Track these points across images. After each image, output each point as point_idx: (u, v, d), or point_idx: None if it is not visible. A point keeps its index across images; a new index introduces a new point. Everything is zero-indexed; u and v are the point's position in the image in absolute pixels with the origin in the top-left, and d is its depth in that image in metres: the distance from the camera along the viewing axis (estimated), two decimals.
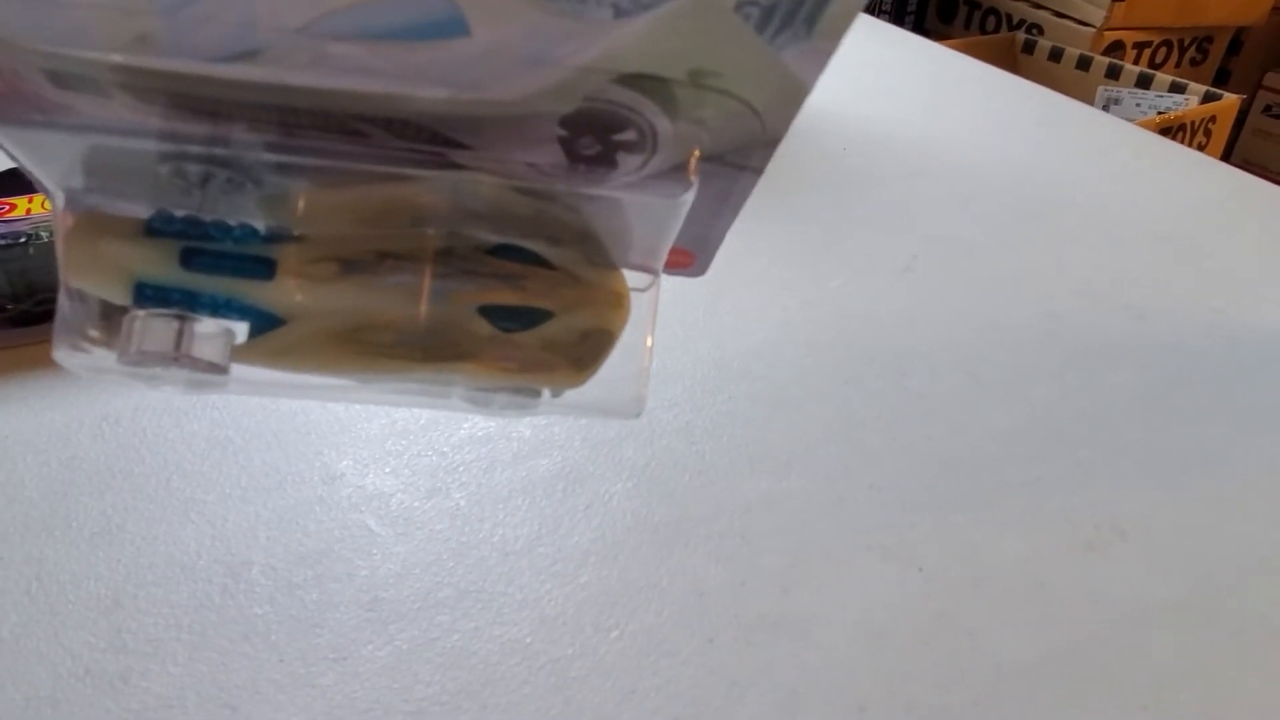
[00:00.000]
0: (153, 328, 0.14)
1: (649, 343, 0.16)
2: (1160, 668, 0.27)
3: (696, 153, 0.14)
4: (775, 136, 0.14)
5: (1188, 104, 1.13)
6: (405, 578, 0.28)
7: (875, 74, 0.76)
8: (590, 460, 0.33)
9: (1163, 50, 1.38)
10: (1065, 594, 0.29)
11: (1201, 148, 1.11)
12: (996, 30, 1.46)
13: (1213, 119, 1.10)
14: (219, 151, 0.14)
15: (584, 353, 0.15)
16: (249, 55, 0.13)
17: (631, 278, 0.17)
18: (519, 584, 0.28)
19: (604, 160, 0.14)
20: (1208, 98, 1.13)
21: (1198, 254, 0.51)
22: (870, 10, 1.58)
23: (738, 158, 0.14)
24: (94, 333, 0.15)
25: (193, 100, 0.13)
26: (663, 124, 0.13)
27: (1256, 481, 0.35)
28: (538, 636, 0.26)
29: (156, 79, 0.13)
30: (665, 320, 0.41)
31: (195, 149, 0.14)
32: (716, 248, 0.16)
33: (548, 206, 0.15)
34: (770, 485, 0.32)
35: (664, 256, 0.16)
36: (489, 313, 0.15)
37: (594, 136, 0.14)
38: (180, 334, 0.14)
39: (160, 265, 0.14)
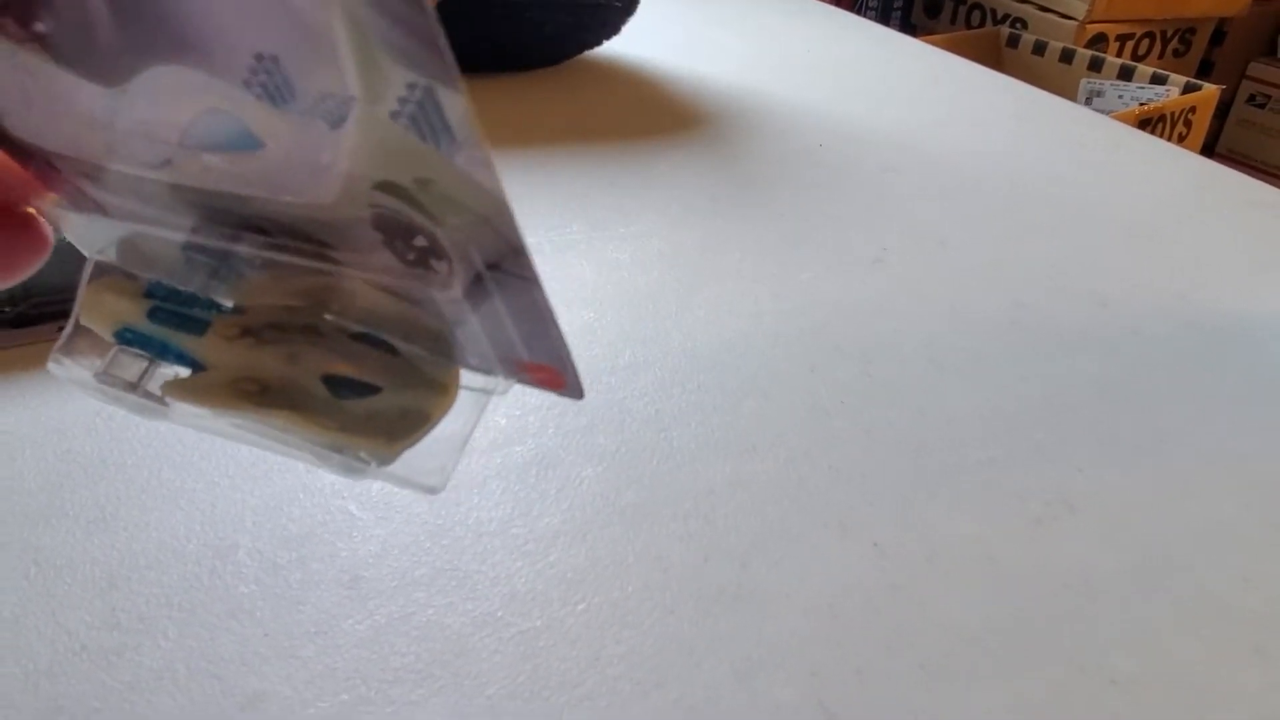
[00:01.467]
0: (123, 360, 0.19)
1: (470, 433, 0.19)
2: (1101, 635, 0.28)
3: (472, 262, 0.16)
4: (516, 244, 0.15)
5: (1169, 95, 1.15)
6: (384, 558, 0.29)
7: (853, 72, 0.77)
8: (563, 447, 0.34)
9: (1145, 42, 1.40)
10: (1013, 567, 0.31)
11: (1182, 138, 1.13)
12: (982, 25, 1.47)
13: (1193, 109, 1.12)
14: (219, 245, 0.17)
15: (399, 428, 0.18)
16: (165, 164, 0.16)
17: (476, 379, 0.18)
18: (491, 562, 0.29)
19: (422, 264, 0.16)
20: (1188, 89, 1.15)
21: (1163, 242, 0.52)
22: (857, 8, 1.59)
23: (513, 267, 0.15)
24: (85, 355, 0.19)
25: (161, 202, 0.17)
26: (434, 229, 0.15)
27: (1207, 460, 0.36)
28: (508, 610, 0.28)
29: (126, 181, 0.17)
30: (638, 312, 0.43)
31: (211, 243, 0.18)
32: (572, 366, 0.18)
33: (410, 309, 0.17)
34: (735, 468, 0.34)
35: (497, 362, 0.18)
36: (329, 380, 0.18)
37: (402, 241, 0.15)
38: (145, 371, 0.19)
39: (138, 318, 0.19)
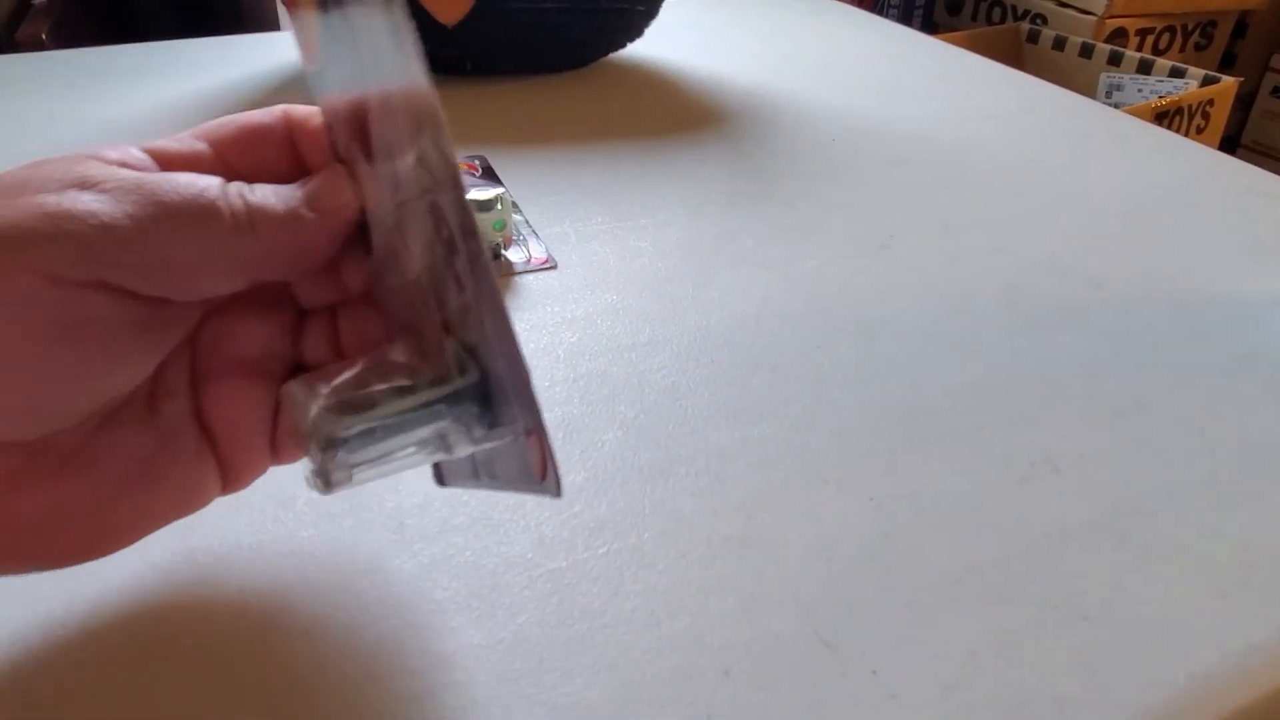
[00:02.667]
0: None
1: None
2: (1074, 577, 0.31)
3: None
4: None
5: (1187, 88, 1.16)
6: (426, 508, 0.33)
7: (868, 70, 0.80)
8: (586, 414, 0.38)
9: (1166, 36, 1.41)
10: (997, 518, 0.34)
11: (1200, 131, 1.14)
12: (1002, 21, 1.48)
13: (1210, 102, 1.13)
14: None
15: None
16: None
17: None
18: (522, 513, 0.33)
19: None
20: (1206, 81, 1.16)
21: (1160, 229, 0.55)
22: (878, 7, 1.61)
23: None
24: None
25: None
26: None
27: (1185, 425, 0.39)
28: (537, 553, 0.31)
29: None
30: (657, 294, 0.46)
31: None
32: (531, 395, 0.21)
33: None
34: (743, 433, 0.37)
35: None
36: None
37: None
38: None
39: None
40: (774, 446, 0.36)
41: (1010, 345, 0.43)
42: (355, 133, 0.25)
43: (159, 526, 0.25)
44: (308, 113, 0.26)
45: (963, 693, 0.27)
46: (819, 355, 0.42)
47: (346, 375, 0.24)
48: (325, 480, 0.23)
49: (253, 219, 0.23)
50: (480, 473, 0.26)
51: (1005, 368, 0.42)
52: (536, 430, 0.22)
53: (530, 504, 0.33)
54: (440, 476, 0.29)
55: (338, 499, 0.33)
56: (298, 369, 0.27)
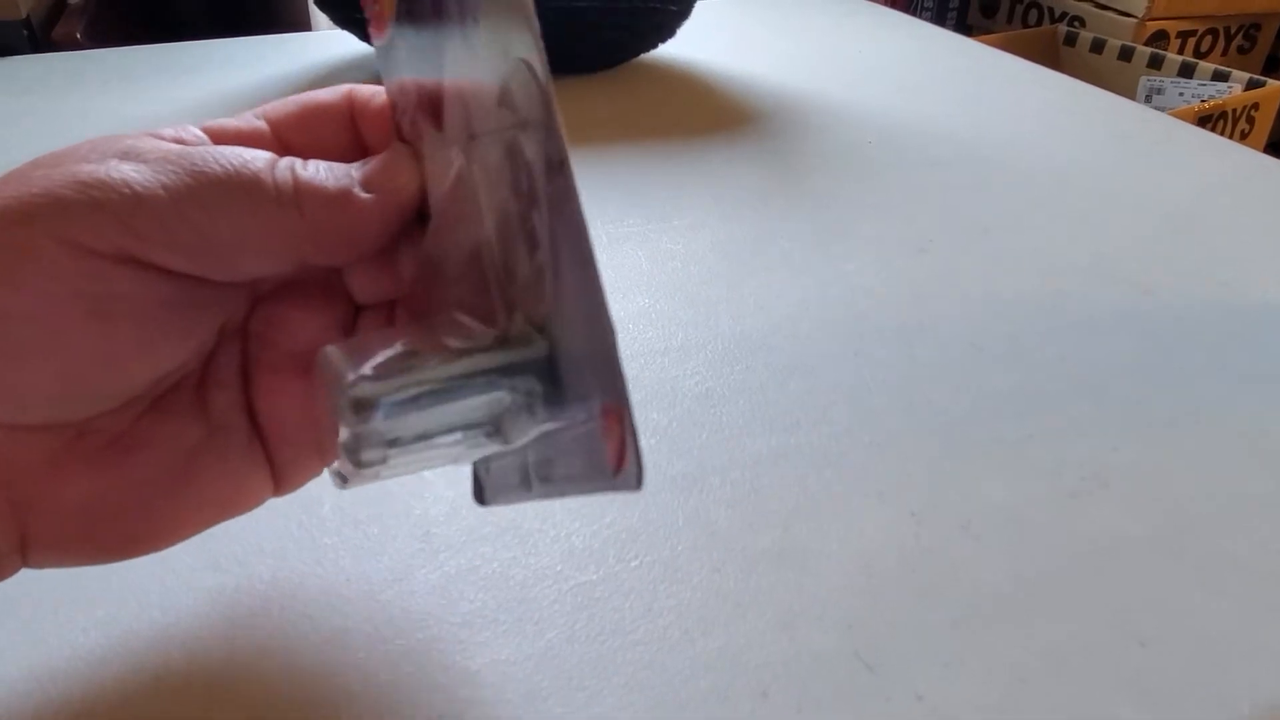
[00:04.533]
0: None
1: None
2: (1128, 596, 0.30)
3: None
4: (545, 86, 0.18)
5: (1231, 92, 1.13)
6: (454, 516, 0.32)
7: (903, 71, 0.79)
8: None
9: (1208, 39, 1.38)
10: (1045, 533, 0.32)
11: (1244, 135, 1.11)
12: (1039, 23, 1.46)
13: (1255, 106, 1.10)
14: None
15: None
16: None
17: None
18: (552, 522, 0.32)
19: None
20: (1251, 85, 1.13)
21: (1209, 233, 0.53)
22: (912, 8, 1.60)
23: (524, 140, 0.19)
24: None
25: None
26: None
27: (1239, 434, 0.37)
28: (566, 565, 0.30)
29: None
30: (690, 298, 0.45)
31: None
32: (620, 374, 0.17)
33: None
34: (780, 442, 0.36)
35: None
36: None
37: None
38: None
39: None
40: (811, 456, 0.35)
41: (1056, 352, 0.42)
42: (425, 106, 0.23)
43: (206, 524, 0.24)
44: (372, 92, 0.25)
45: None
46: (857, 362, 0.41)
47: (394, 344, 0.20)
48: (355, 458, 0.19)
49: (300, 195, 0.22)
50: (532, 477, 0.22)
51: (1051, 376, 0.40)
52: (616, 408, 0.18)
53: (560, 513, 0.32)
54: (480, 491, 0.25)
55: (365, 503, 0.32)
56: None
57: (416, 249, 0.24)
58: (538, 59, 0.17)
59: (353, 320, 0.25)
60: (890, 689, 0.27)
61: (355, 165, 0.23)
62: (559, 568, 0.30)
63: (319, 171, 0.22)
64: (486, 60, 0.19)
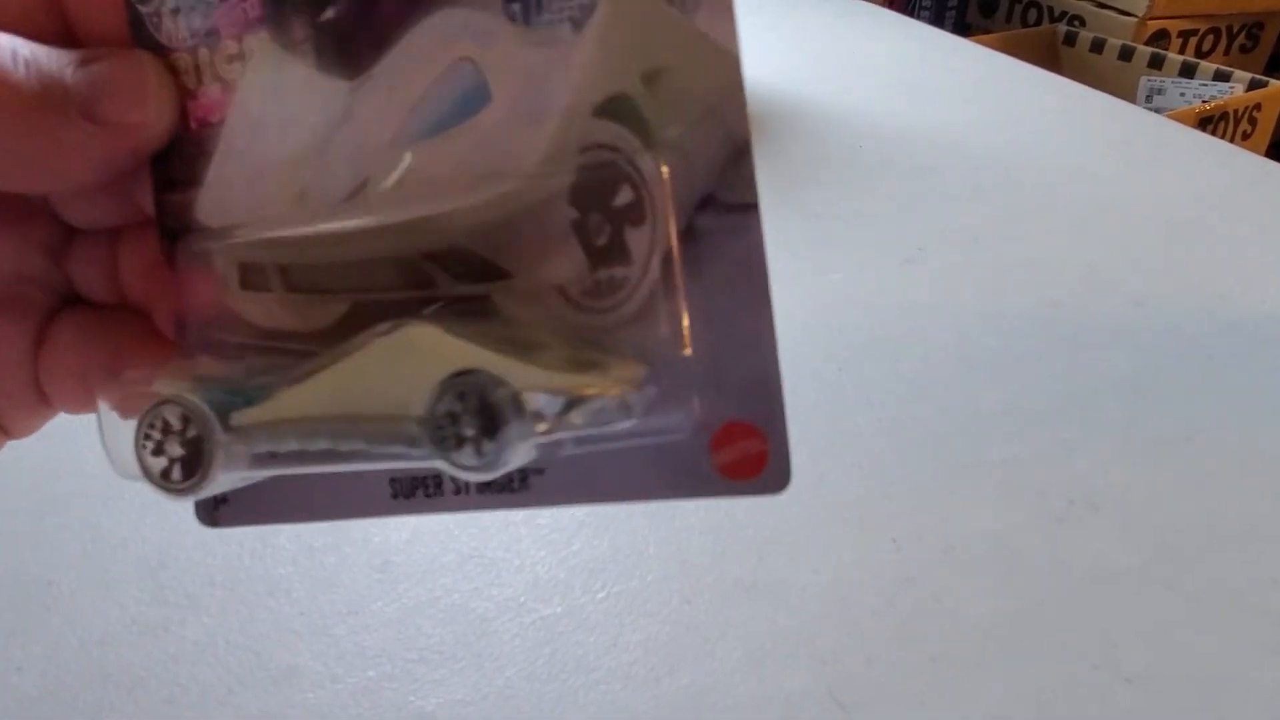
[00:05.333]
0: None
1: None
2: (1116, 631, 0.29)
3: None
4: (741, 137, 0.15)
5: (1233, 92, 1.12)
6: (414, 544, 0.30)
7: (897, 73, 0.77)
8: None
9: (1210, 38, 1.36)
10: (1030, 562, 0.31)
11: (1246, 137, 1.09)
12: (1038, 23, 1.44)
13: (1258, 107, 1.09)
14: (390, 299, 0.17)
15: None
16: (359, 189, 0.16)
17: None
18: (517, 550, 0.30)
19: (617, 251, 0.15)
20: (1253, 85, 1.12)
21: (1206, 242, 0.52)
22: (910, 8, 1.58)
23: (728, 191, 0.15)
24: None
25: (323, 284, 0.17)
26: (646, 164, 0.15)
27: (1236, 459, 0.36)
28: (530, 596, 0.29)
29: (302, 271, 0.17)
30: None
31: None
32: (780, 405, 0.16)
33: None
34: None
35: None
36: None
37: (600, 214, 0.15)
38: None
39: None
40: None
41: (1046, 368, 0.41)
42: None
43: None
44: None
45: None
46: (840, 378, 0.39)
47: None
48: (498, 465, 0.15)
49: None
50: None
51: (1040, 393, 0.39)
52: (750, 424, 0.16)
53: (526, 539, 0.31)
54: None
55: (323, 530, 0.31)
56: (69, 300, 0.19)
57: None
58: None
59: (66, 244, 0.19)
60: None
61: (70, 57, 0.16)
62: (522, 599, 0.29)
63: (13, 53, 0.15)
64: (591, 67, 0.16)
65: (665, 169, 0.15)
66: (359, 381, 0.15)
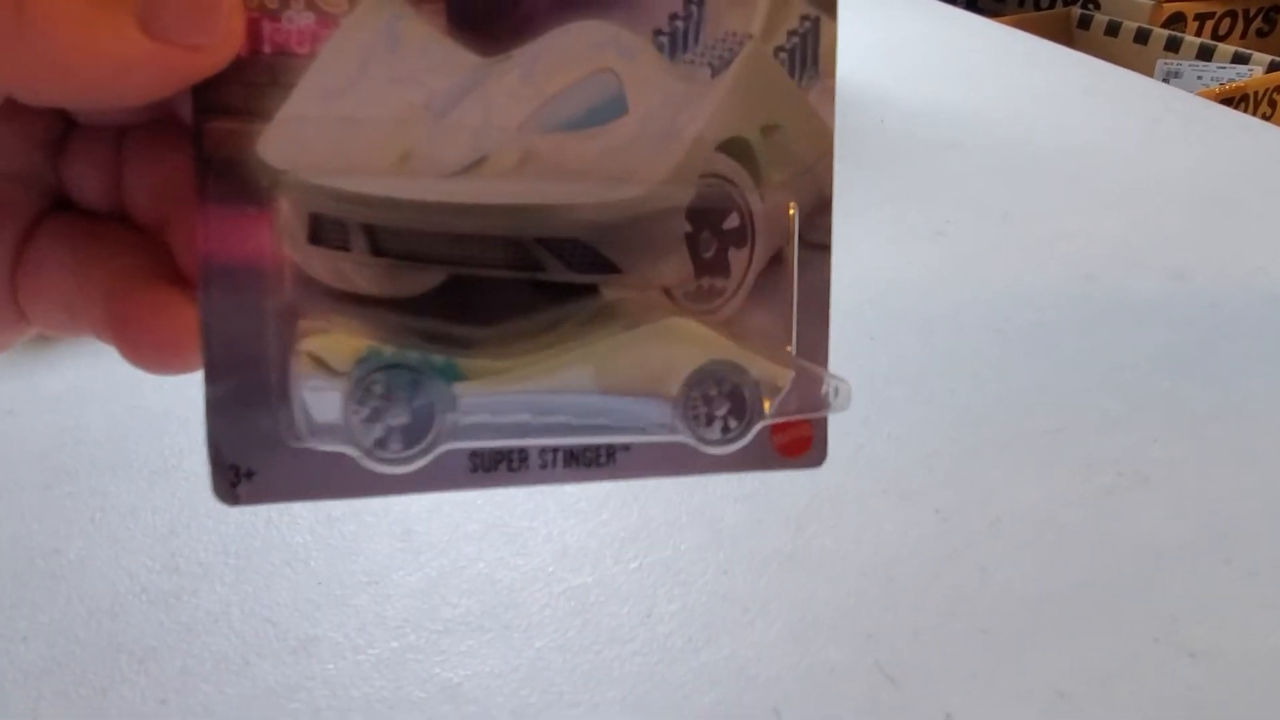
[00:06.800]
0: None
1: None
2: (1174, 605, 0.27)
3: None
4: (826, 194, 0.18)
5: (1251, 75, 1.10)
6: (436, 513, 0.29)
7: (917, 50, 0.76)
8: None
9: (1226, 21, 1.34)
10: (1080, 534, 0.29)
11: (1266, 119, 1.08)
12: (1051, 6, 1.43)
13: (1278, 89, 1.07)
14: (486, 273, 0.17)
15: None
16: (476, 164, 0.17)
17: None
18: (543, 519, 0.29)
19: (720, 265, 0.18)
20: (1273, 68, 1.10)
21: (1243, 216, 0.50)
22: None
23: (810, 233, 0.18)
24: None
25: (417, 252, 0.17)
26: (754, 200, 0.18)
27: None
28: (559, 566, 0.28)
29: (394, 235, 0.17)
30: None
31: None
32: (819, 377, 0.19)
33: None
34: None
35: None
36: None
37: (711, 232, 0.18)
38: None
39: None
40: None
41: (1085, 341, 0.39)
42: None
43: None
44: None
45: None
46: (874, 349, 0.38)
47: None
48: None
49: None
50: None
51: (1080, 365, 0.38)
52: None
53: (552, 510, 0.30)
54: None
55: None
56: (57, 204, 0.18)
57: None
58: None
59: (62, 139, 0.17)
60: (915, 706, 0.24)
61: None
62: (550, 569, 0.28)
63: None
64: (721, 109, 0.18)
65: (772, 205, 0.18)
66: (612, 360, 0.17)
